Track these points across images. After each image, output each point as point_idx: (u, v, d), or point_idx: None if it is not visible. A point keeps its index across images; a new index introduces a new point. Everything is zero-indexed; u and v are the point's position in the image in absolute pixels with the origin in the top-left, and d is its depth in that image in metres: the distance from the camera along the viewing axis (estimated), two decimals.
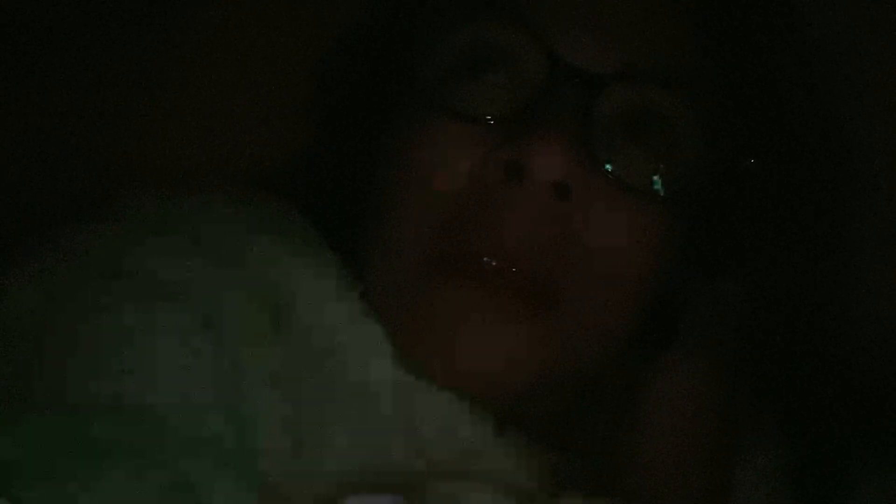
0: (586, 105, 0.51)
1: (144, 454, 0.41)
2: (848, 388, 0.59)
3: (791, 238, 0.58)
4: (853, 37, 0.57)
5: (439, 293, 0.51)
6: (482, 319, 0.51)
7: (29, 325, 0.45)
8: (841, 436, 0.58)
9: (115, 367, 0.44)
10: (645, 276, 0.53)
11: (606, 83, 0.51)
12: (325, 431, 0.50)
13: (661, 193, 0.52)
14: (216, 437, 0.44)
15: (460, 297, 0.51)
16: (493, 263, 0.50)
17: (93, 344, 0.44)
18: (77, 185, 0.56)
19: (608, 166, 0.51)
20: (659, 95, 0.52)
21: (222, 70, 0.58)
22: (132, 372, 0.44)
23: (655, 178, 0.52)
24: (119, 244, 0.48)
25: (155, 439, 0.42)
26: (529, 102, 0.51)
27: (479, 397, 0.51)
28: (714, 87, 0.55)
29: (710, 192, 0.54)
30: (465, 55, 0.52)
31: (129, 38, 0.58)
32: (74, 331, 0.44)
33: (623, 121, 0.52)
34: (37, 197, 0.56)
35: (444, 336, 0.51)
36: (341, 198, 0.58)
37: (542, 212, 0.50)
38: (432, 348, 0.51)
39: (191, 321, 0.46)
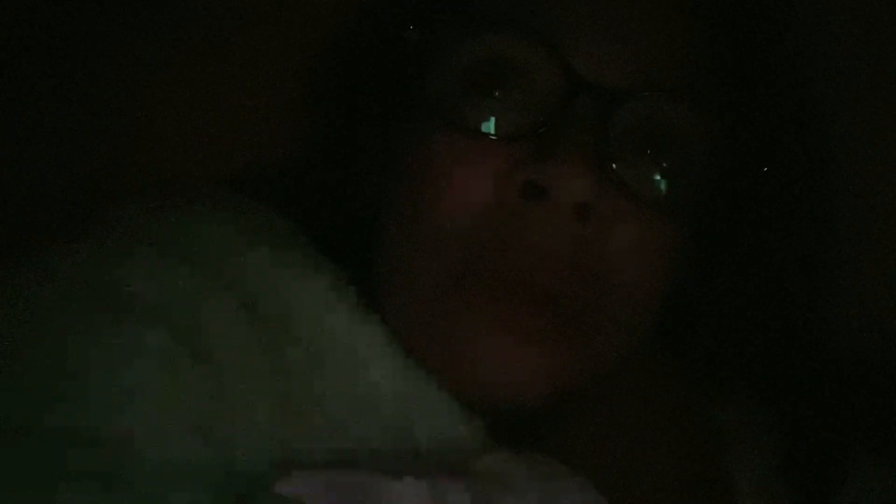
0: (604, 120, 0.50)
1: (111, 479, 0.41)
2: (842, 386, 0.59)
3: (788, 239, 0.58)
4: (855, 49, 0.57)
5: (463, 310, 0.51)
6: (507, 336, 0.50)
7: (4, 349, 0.44)
8: (835, 432, 0.59)
9: (87, 391, 0.43)
10: (661, 288, 0.53)
11: (624, 98, 0.51)
12: (315, 440, 0.49)
13: (675, 206, 0.52)
14: (190, 460, 0.43)
15: (484, 314, 0.50)
16: (516, 280, 0.50)
17: (67, 368, 0.43)
18: (64, 197, 0.56)
19: (625, 181, 0.51)
20: (673, 108, 0.52)
21: (212, 76, 0.58)
22: (104, 396, 0.43)
23: (669, 190, 0.52)
24: (101, 264, 0.48)
25: (123, 464, 0.41)
26: (546, 118, 0.51)
27: (493, 410, 0.51)
28: (723, 98, 0.54)
29: (717, 201, 0.54)
30: (479, 70, 0.52)
31: (114, 46, 0.57)
32: (49, 354, 0.44)
33: (639, 135, 0.51)
34: (23, 211, 0.56)
35: (468, 351, 0.51)
36: (334, 206, 0.57)
37: (563, 230, 0.50)
38: (455, 363, 0.51)
39: (171, 341, 0.46)
